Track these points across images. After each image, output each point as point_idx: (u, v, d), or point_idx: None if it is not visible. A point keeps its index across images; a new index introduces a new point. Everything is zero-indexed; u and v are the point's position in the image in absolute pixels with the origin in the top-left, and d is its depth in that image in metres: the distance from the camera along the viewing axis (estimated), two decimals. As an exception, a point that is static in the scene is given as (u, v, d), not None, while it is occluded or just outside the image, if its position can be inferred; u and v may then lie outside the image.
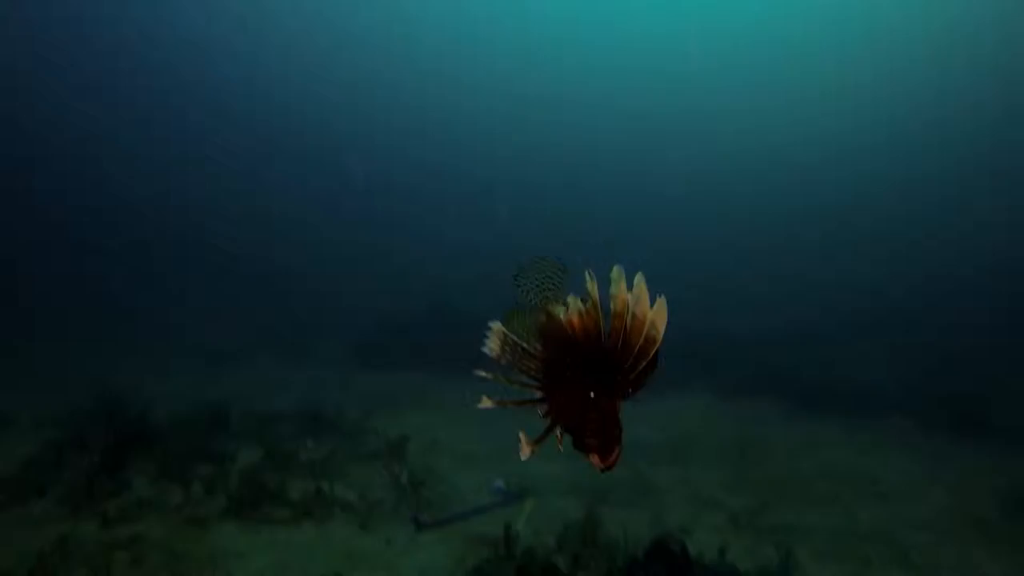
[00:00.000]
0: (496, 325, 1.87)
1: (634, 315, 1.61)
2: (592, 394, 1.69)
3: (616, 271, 1.64)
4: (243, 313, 22.89)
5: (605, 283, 1.66)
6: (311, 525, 6.78)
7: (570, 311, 1.73)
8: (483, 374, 1.83)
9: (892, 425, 12.86)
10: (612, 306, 1.63)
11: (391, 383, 14.83)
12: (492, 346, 1.86)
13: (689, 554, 5.71)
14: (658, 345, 1.59)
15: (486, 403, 1.76)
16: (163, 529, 6.44)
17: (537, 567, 5.51)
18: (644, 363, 1.62)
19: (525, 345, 1.85)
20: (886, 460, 10.66)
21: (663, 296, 1.59)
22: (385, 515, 7.18)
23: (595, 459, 1.62)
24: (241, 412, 10.54)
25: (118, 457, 7.98)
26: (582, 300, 1.73)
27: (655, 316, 1.59)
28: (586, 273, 1.67)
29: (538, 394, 1.78)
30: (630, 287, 1.63)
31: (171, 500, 7.07)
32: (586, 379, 1.71)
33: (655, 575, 5.43)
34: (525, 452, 1.65)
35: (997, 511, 8.55)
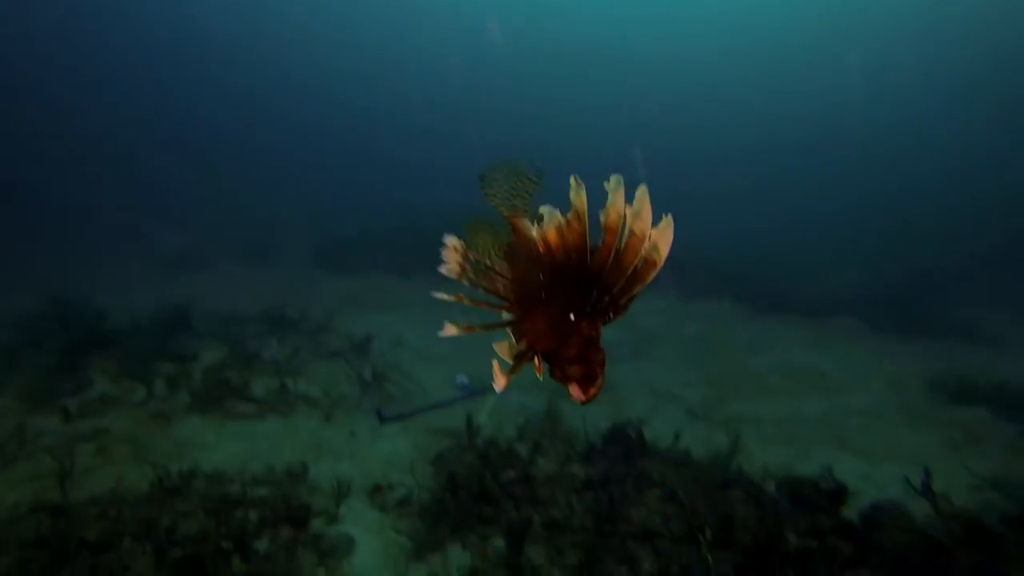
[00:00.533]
0: (452, 240, 1.63)
1: (632, 232, 1.39)
2: (572, 316, 1.48)
3: (614, 180, 1.39)
4: (208, 221, 22.11)
5: (594, 196, 1.44)
6: (276, 419, 6.83)
7: (547, 225, 1.47)
8: (443, 296, 1.61)
9: (842, 324, 13.41)
10: (603, 219, 1.40)
11: (355, 285, 14.71)
12: (450, 266, 1.64)
13: (645, 439, 5.94)
14: (658, 269, 1.40)
15: (450, 330, 1.56)
16: (127, 423, 6.41)
17: (498, 454, 5.68)
18: (639, 287, 1.42)
19: (489, 263, 1.63)
20: (834, 356, 11.17)
21: (670, 215, 1.37)
22: (349, 409, 7.27)
23: (574, 390, 1.46)
24: (203, 313, 10.35)
25: (76, 357, 7.81)
26: (564, 213, 1.49)
27: (658, 236, 1.38)
28: (571, 180, 1.42)
29: (508, 316, 1.58)
30: (629, 202, 1.41)
31: (134, 397, 7.00)
32: (565, 300, 1.49)
33: (612, 458, 5.65)
34: (500, 383, 1.48)
35: (924, 398, 9.19)
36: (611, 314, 1.48)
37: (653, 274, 1.40)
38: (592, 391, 1.44)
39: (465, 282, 1.63)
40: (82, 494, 4.94)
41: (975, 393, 8.99)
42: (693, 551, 4.10)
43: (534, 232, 1.52)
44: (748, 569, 4.11)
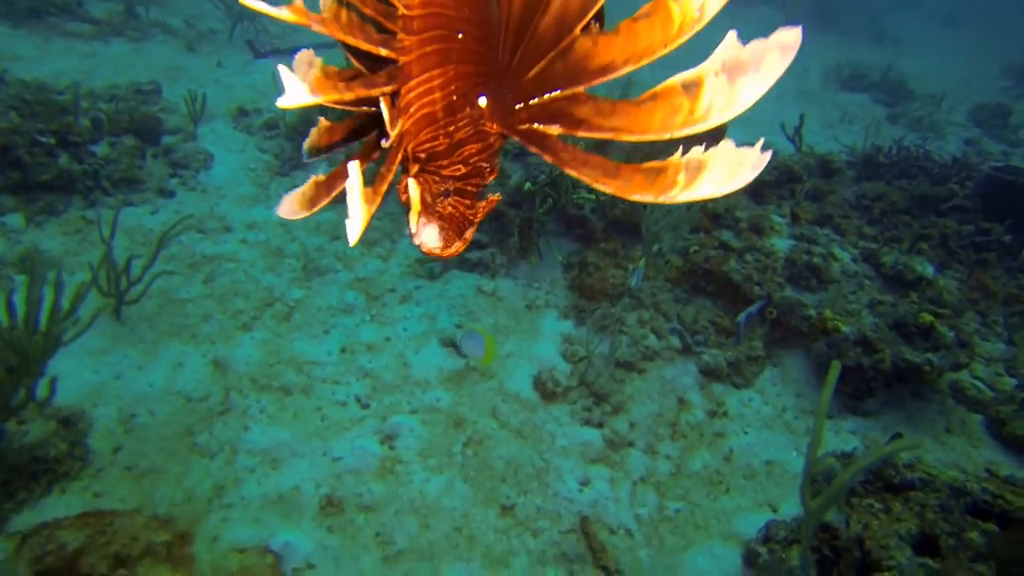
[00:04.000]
0: None
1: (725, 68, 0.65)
2: (484, 99, 0.78)
3: None
4: None
5: None
6: (123, 42, 5.57)
7: None
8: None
9: (759, 15, 12.44)
10: None
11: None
12: None
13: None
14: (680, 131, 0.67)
15: (297, 96, 0.71)
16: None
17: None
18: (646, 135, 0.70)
19: None
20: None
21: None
22: (217, 42, 6.06)
23: (429, 233, 0.78)
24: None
25: None
26: None
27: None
28: None
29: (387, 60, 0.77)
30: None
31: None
32: (486, 63, 0.79)
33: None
34: (304, 210, 0.88)
35: (819, 85, 9.02)
36: (545, 123, 0.75)
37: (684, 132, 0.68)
38: (456, 245, 0.79)
39: None
40: None
41: (863, 81, 8.90)
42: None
43: None
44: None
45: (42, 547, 1.92)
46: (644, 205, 3.51)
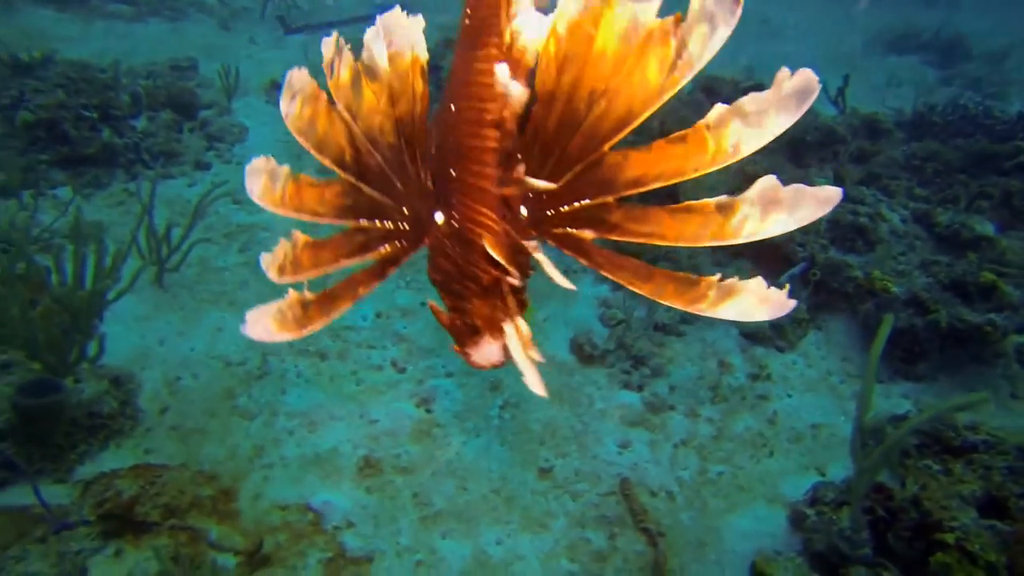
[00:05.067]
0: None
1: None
2: (524, 209, 0.77)
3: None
4: None
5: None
6: (160, 22, 5.63)
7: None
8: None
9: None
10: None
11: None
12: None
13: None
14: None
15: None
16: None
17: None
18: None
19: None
20: (783, 6, 9.98)
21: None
22: (250, 19, 6.07)
23: (490, 355, 0.75)
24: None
25: None
26: None
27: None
28: None
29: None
30: None
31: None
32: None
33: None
34: (288, 332, 0.77)
35: (861, 50, 8.55)
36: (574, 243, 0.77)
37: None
38: (492, 357, 0.78)
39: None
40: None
41: (913, 42, 8.40)
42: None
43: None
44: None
45: (102, 494, 1.99)
46: (682, 166, 3.37)
